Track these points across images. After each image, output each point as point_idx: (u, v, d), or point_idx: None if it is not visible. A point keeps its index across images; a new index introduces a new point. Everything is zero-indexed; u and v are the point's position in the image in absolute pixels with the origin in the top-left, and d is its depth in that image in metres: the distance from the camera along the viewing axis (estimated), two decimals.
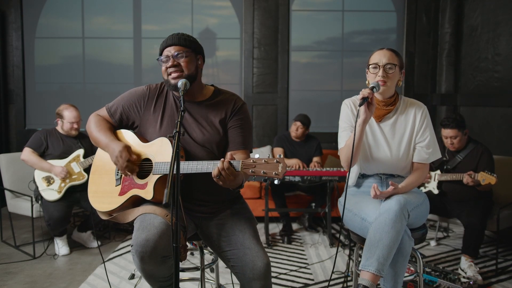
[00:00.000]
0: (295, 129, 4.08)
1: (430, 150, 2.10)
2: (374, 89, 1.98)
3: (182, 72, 1.77)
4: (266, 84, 5.07)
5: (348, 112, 2.15)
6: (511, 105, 4.04)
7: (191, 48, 1.81)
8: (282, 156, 1.53)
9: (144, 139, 1.90)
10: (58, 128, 3.50)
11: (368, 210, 1.99)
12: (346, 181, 2.01)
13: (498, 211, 3.08)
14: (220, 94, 1.91)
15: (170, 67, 1.77)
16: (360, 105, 1.90)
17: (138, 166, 1.83)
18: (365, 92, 1.92)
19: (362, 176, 2.19)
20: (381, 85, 2.02)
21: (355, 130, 1.93)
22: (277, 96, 5.07)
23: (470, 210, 3.01)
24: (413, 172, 2.13)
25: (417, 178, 2.10)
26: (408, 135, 2.10)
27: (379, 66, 2.03)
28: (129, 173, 1.80)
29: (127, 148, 1.79)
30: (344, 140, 2.11)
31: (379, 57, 2.05)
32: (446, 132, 3.16)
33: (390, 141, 2.10)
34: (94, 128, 1.90)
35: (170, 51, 1.78)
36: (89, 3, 5.10)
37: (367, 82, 2.12)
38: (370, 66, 2.07)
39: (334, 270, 3.09)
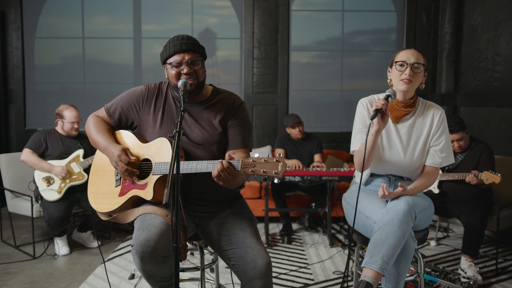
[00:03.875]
0: (297, 132, 4.06)
1: (444, 154, 2.07)
2: (389, 98, 1.94)
3: (196, 79, 1.78)
4: (266, 84, 5.07)
5: (364, 112, 2.11)
6: (511, 105, 4.04)
7: (202, 55, 1.82)
8: (282, 156, 1.53)
9: (143, 139, 1.90)
10: (58, 128, 3.50)
11: (373, 209, 1.98)
12: (360, 181, 1.99)
13: (498, 211, 3.08)
14: (219, 93, 1.91)
15: (185, 73, 1.75)
16: (372, 118, 1.87)
17: (138, 167, 1.83)
18: (378, 103, 1.87)
19: (371, 175, 2.18)
20: (406, 83, 2.00)
21: (366, 140, 1.90)
22: (277, 96, 5.07)
23: (470, 210, 3.01)
24: (423, 175, 2.10)
25: (426, 181, 2.08)
26: (424, 138, 2.07)
27: (407, 64, 2.00)
28: (128, 178, 1.80)
29: (126, 150, 1.79)
30: (358, 142, 2.09)
31: (408, 55, 2.02)
32: (452, 137, 3.14)
33: (405, 144, 2.07)
34: (93, 130, 1.90)
35: (184, 57, 1.75)
36: (89, 3, 5.10)
37: (389, 80, 2.10)
38: (397, 64, 2.03)
39: (336, 271, 3.10)
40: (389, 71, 2.10)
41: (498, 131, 4.21)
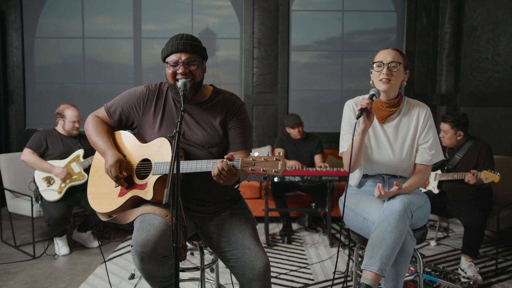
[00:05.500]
0: (296, 133, 4.06)
1: (433, 151, 2.09)
2: (374, 97, 1.96)
3: (192, 79, 1.77)
4: (266, 84, 5.07)
5: (351, 114, 2.14)
6: (511, 105, 4.04)
7: (200, 55, 1.80)
8: (282, 155, 1.53)
9: (143, 139, 1.90)
10: (59, 128, 3.50)
11: (370, 210, 1.98)
12: (347, 182, 2.01)
13: (498, 211, 3.08)
14: (219, 94, 1.91)
15: (181, 73, 1.75)
16: (358, 117, 1.89)
17: (135, 170, 1.84)
18: (363, 102, 1.90)
19: (364, 176, 2.18)
20: (385, 83, 2.02)
21: (353, 140, 1.92)
22: (277, 96, 5.07)
23: (470, 210, 3.01)
24: (416, 173, 2.12)
25: (419, 179, 2.09)
26: (411, 137, 2.09)
27: (384, 64, 2.03)
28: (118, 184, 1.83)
29: (120, 162, 1.79)
30: (347, 143, 2.10)
31: (384, 55, 2.05)
32: (441, 125, 3.18)
33: (392, 143, 2.09)
34: (92, 132, 1.90)
35: (181, 57, 1.75)
36: (89, 3, 5.10)
37: (371, 82, 2.12)
38: (375, 65, 2.06)
39: (336, 271, 3.10)
40: (371, 72, 2.11)
41: (498, 131, 4.21)
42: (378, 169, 2.13)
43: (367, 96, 2.00)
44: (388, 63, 2.02)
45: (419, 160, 2.10)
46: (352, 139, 1.92)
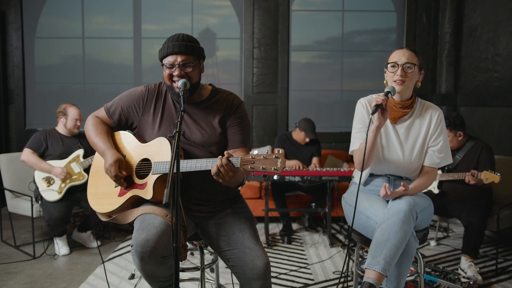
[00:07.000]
0: (305, 140, 4.01)
1: (442, 154, 2.08)
2: (389, 94, 1.94)
3: (188, 81, 1.76)
4: (266, 84, 5.07)
5: (364, 112, 2.12)
6: (511, 105, 4.04)
7: (196, 56, 1.79)
8: (281, 153, 1.53)
9: (142, 140, 1.90)
10: (59, 128, 3.50)
11: (373, 209, 1.98)
12: (359, 181, 1.99)
13: (498, 211, 3.08)
14: (218, 93, 1.91)
15: (177, 75, 1.75)
16: (373, 113, 1.87)
17: (135, 169, 1.84)
18: (379, 99, 1.88)
19: (370, 175, 2.18)
20: (399, 84, 2.01)
21: (367, 137, 1.90)
22: (277, 96, 5.07)
23: (470, 210, 3.01)
24: (422, 175, 2.11)
25: (425, 181, 2.09)
26: (422, 139, 2.08)
27: (398, 65, 2.01)
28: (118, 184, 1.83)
29: (119, 162, 1.80)
30: (358, 141, 2.09)
31: (398, 56, 2.02)
32: None
33: (403, 144, 2.08)
34: (92, 132, 1.91)
35: (176, 59, 1.74)
36: (89, 3, 5.10)
37: (385, 81, 2.10)
38: (389, 65, 2.04)
39: (336, 271, 3.10)
40: (385, 72, 2.11)
41: (498, 131, 4.21)
42: (386, 169, 2.12)
43: (382, 93, 1.99)
44: (403, 64, 2.00)
45: (428, 163, 2.09)
46: (367, 135, 1.90)
